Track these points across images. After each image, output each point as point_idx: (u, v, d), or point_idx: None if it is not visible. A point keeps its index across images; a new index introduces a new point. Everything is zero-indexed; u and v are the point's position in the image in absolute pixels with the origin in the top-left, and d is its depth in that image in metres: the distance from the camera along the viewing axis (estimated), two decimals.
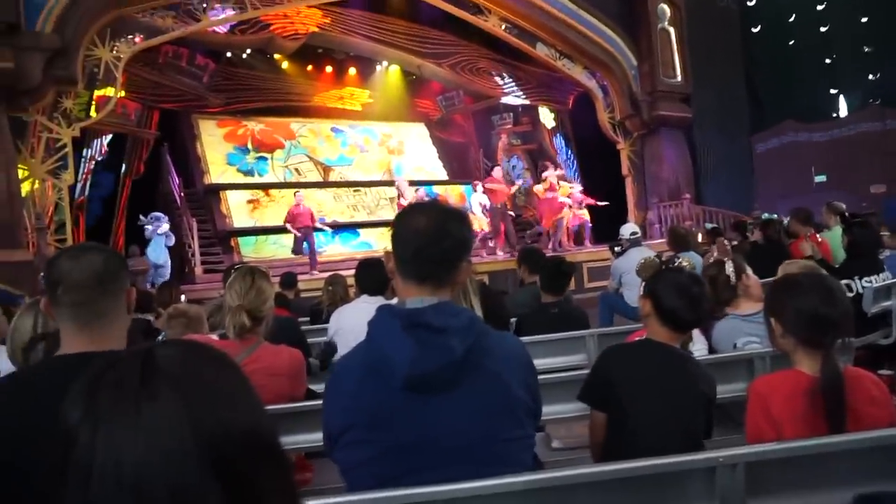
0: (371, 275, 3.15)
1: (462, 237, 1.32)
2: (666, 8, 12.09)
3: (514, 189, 11.70)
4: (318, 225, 10.19)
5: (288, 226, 9.79)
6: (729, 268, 2.56)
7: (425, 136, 15.28)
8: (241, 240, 11.28)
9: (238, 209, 11.74)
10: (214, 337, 2.31)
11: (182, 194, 11.44)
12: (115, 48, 8.47)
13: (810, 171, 15.89)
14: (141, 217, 9.45)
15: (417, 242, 1.28)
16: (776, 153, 16.35)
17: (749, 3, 16.65)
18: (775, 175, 15.67)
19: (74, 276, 1.24)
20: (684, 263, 2.46)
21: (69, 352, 1.25)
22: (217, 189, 11.89)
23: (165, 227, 9.31)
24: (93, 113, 8.98)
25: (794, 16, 17.15)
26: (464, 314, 1.28)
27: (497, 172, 10.93)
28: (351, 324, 3.00)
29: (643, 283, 2.08)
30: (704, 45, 12.50)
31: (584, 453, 2.32)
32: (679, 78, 12.02)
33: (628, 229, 5.30)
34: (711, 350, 2.48)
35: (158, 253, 9.06)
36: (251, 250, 11.16)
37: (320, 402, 2.29)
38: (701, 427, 1.69)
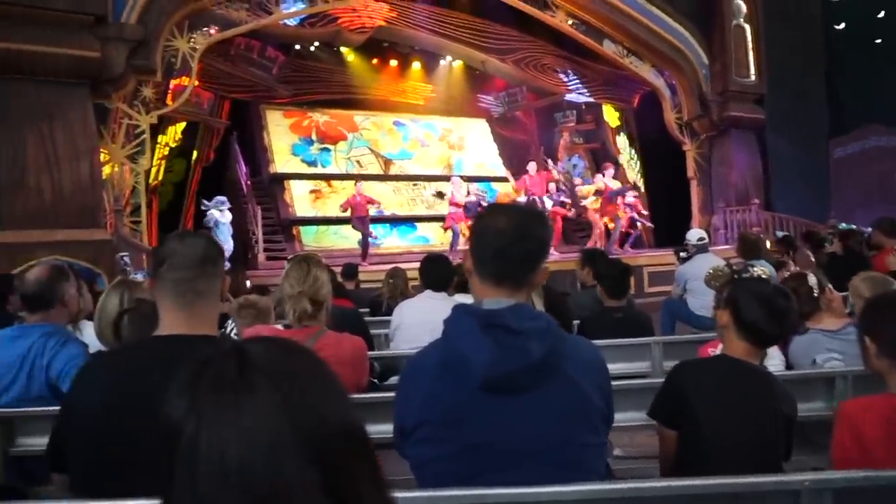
0: (436, 270, 3.16)
1: (543, 239, 1.32)
2: (742, 4, 11.61)
3: (551, 186, 11.29)
4: (377, 207, 10.36)
5: (347, 212, 9.93)
6: (812, 280, 2.43)
7: (486, 132, 15.24)
8: (302, 229, 11.55)
9: (301, 199, 12.03)
10: (279, 327, 2.37)
11: (248, 182, 11.79)
12: (192, 40, 8.78)
13: (894, 178, 14.99)
14: (205, 202, 9.77)
15: (497, 243, 1.28)
16: (856, 159, 15.48)
17: None
18: (854, 182, 14.84)
19: (179, 256, 1.32)
20: (759, 271, 2.37)
21: (167, 332, 1.31)
22: (282, 178, 12.22)
23: (228, 214, 9.65)
24: (168, 101, 9.36)
25: (882, 12, 16.16)
26: (542, 317, 1.28)
27: (532, 167, 10.81)
28: (414, 318, 3.03)
29: (718, 293, 2.00)
30: (782, 42, 11.91)
31: (647, 463, 2.27)
32: (753, 77, 11.54)
33: (695, 235, 5.13)
34: (788, 366, 2.38)
35: (226, 237, 9.37)
36: (312, 239, 11.42)
37: (384, 394, 2.32)
38: (781, 450, 1.61)
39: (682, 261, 5.13)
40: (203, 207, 9.76)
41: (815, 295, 2.47)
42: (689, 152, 11.92)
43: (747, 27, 11.59)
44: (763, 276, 1.86)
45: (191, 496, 0.58)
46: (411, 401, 1.30)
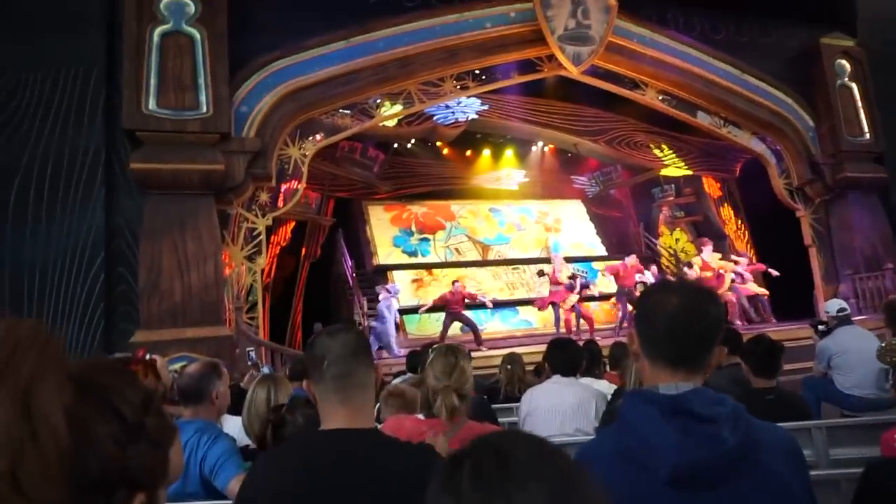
0: (564, 354, 3.07)
1: (718, 317, 1.24)
2: (845, 63, 11.22)
3: (639, 278, 10.70)
4: (479, 300, 10.42)
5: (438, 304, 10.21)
6: None
7: (582, 212, 15.19)
8: (405, 317, 11.73)
9: (403, 288, 12.30)
10: (421, 416, 2.34)
11: (353, 275, 12.25)
12: (302, 146, 9.50)
13: None
14: (385, 287, 10.52)
15: (670, 323, 1.21)
16: None
17: None
18: None
19: (336, 350, 1.36)
20: None
21: (330, 427, 1.32)
22: (384, 269, 12.62)
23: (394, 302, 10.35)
24: (280, 203, 10.05)
25: None
26: (728, 401, 1.18)
27: (631, 260, 10.54)
28: (545, 404, 2.92)
29: (895, 369, 1.79)
30: None
31: None
32: (867, 136, 10.93)
33: (835, 305, 4.70)
34: None
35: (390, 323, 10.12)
36: (415, 328, 11.55)
37: None
38: None
39: (822, 334, 4.69)
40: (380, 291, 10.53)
41: None
42: (804, 218, 11.26)
43: (853, 86, 11.13)
44: None
45: None
46: None
